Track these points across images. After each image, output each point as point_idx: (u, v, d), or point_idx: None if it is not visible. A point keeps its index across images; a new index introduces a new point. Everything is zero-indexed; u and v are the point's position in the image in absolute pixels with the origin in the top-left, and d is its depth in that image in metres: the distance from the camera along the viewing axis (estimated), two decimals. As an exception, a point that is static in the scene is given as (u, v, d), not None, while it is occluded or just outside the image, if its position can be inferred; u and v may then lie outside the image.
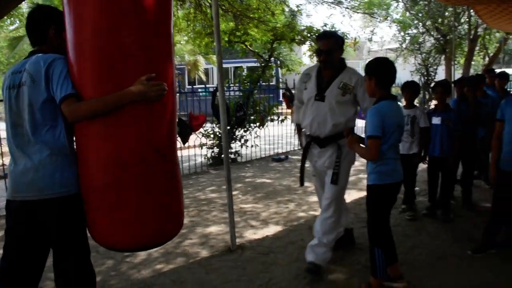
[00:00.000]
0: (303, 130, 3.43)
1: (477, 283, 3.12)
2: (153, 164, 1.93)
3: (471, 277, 3.22)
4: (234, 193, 5.74)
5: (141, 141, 1.91)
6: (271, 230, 4.29)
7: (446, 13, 11.78)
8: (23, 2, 7.50)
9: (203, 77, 20.08)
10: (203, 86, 9.75)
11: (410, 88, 4.45)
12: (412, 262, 3.47)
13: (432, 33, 12.38)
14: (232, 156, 8.21)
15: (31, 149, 1.97)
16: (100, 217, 1.97)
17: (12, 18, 8.40)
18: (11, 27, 17.03)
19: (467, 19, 11.57)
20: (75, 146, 2.05)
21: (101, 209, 1.95)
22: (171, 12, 2.03)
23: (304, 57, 14.04)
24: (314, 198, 5.42)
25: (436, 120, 4.40)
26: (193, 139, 7.34)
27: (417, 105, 4.66)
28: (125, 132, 1.90)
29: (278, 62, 9.38)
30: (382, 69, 2.82)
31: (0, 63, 20.14)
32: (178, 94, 14.04)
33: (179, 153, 6.76)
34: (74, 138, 2.04)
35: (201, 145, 7.78)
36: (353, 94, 3.19)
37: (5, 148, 2.33)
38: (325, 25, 9.06)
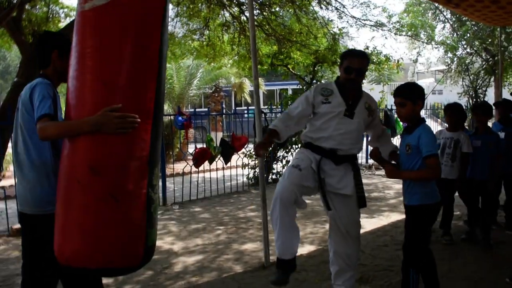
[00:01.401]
0: (317, 143, 2.96)
1: (512, 310, 3.05)
2: (88, 185, 1.90)
3: (506, 303, 3.15)
4: (272, 212, 5.86)
5: (76, 158, 1.95)
6: (306, 249, 4.36)
7: (496, 33, 11.49)
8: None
9: (249, 99, 20.45)
10: (245, 108, 9.98)
11: (453, 111, 4.41)
12: (446, 286, 3.42)
13: (480, 53, 12.09)
14: (274, 176, 8.34)
15: (24, 167, 2.19)
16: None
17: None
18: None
19: (518, 39, 11.25)
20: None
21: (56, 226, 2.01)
22: (157, 40, 2.00)
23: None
24: (351, 219, 5.44)
25: (476, 143, 4.34)
26: (236, 159, 7.55)
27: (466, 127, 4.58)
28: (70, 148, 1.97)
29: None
30: (422, 92, 2.87)
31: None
32: (223, 116, 14.37)
33: (221, 172, 6.94)
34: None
35: (243, 165, 7.98)
36: (371, 118, 3.09)
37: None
38: (367, 47, 9.12)
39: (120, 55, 1.92)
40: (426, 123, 2.90)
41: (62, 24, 7.95)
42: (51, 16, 7.41)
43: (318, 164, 2.89)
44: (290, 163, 3.16)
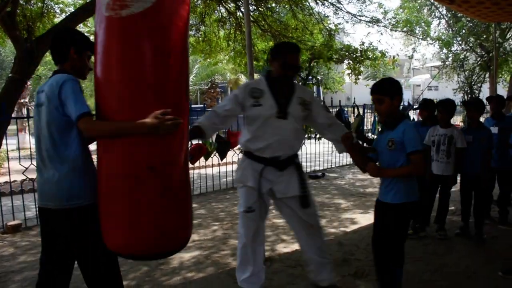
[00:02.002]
0: (257, 153, 2.95)
1: (505, 303, 3.09)
2: (147, 181, 2.03)
3: (499, 297, 3.18)
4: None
5: (134, 158, 2.03)
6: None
7: (491, 29, 11.54)
8: (80, 26, 8.07)
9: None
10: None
11: (445, 107, 4.43)
12: (440, 281, 3.46)
13: (475, 50, 12.13)
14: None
15: (51, 163, 2.19)
16: (105, 224, 2.14)
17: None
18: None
19: (513, 35, 11.30)
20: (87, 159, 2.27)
21: (104, 218, 2.13)
22: (186, 45, 2.16)
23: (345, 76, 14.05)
24: (346, 215, 5.48)
25: (468, 138, 4.37)
26: (231, 155, 7.56)
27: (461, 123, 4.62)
28: (121, 149, 2.05)
29: (315, 80, 9.50)
30: (400, 87, 2.78)
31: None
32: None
33: (217, 169, 6.98)
34: (88, 153, 2.27)
35: (233, 163, 7.99)
36: (307, 112, 3.03)
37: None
38: (363, 43, 9.13)
39: (162, 59, 2.02)
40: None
41: (57, 20, 7.92)
42: (46, 11, 7.37)
43: (259, 178, 2.91)
44: (239, 198, 3.09)
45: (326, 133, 3.20)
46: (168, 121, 1.97)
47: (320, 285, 3.22)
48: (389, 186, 2.77)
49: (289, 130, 2.92)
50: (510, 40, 11.90)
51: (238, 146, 7.46)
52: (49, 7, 7.67)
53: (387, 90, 2.74)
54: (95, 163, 2.21)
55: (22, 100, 14.23)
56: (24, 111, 14.29)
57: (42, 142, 2.22)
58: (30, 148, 5.69)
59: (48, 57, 19.51)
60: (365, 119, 10.53)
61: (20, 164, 5.17)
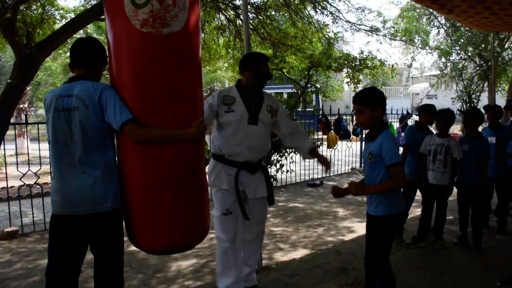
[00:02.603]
0: (231, 158, 3.08)
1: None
2: (188, 181, 2.30)
3: (497, 307, 3.17)
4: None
5: (180, 162, 2.27)
6: (299, 253, 4.36)
7: (489, 39, 11.60)
8: (80, 33, 8.08)
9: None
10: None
11: (444, 117, 4.43)
12: (437, 290, 3.46)
13: (474, 59, 12.19)
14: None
15: (84, 167, 2.20)
16: (148, 227, 2.30)
17: (68, 46, 9.09)
18: (67, 54, 18.28)
19: (511, 45, 11.34)
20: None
21: (144, 221, 2.29)
22: (198, 52, 2.38)
23: (344, 84, 14.08)
24: (344, 223, 5.47)
25: (465, 148, 4.37)
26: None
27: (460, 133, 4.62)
28: (166, 154, 2.25)
29: (314, 88, 9.52)
30: (382, 97, 2.73)
31: (56, 87, 21.48)
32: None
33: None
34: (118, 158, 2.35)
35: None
36: (274, 119, 3.19)
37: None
38: (362, 52, 9.16)
39: (193, 73, 2.32)
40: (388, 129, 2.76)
41: (57, 26, 7.94)
42: (46, 17, 7.39)
43: (236, 179, 3.05)
44: (214, 202, 3.17)
45: (287, 141, 3.37)
46: (202, 129, 2.31)
47: (247, 286, 3.36)
48: (372, 198, 2.77)
49: (259, 135, 3.09)
50: (508, 49, 11.95)
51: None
52: (49, 13, 7.69)
53: (367, 101, 2.69)
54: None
55: (21, 106, 14.24)
56: (23, 116, 14.32)
57: (72, 148, 2.20)
58: (28, 154, 5.67)
59: (47, 62, 19.62)
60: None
61: (17, 170, 5.15)
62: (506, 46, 11.88)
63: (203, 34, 9.34)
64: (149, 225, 2.29)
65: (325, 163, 3.38)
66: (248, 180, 3.11)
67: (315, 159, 3.42)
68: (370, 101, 2.68)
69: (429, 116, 4.64)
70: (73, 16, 7.71)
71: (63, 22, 7.99)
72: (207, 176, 3.08)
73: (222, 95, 3.08)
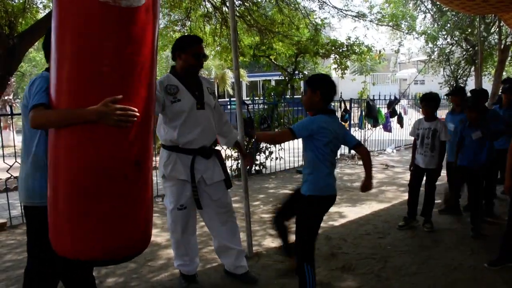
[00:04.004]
0: (185, 146, 3.03)
1: (490, 294, 3.13)
2: (131, 176, 1.97)
3: None
4: (255, 203, 5.88)
5: (122, 152, 1.94)
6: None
7: (475, 23, 11.64)
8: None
9: (231, 91, 20.42)
10: (228, 99, 9.95)
11: (428, 101, 4.47)
12: (426, 272, 3.50)
13: (461, 44, 12.24)
14: (257, 168, 8.36)
15: (22, 159, 2.24)
16: (77, 228, 1.94)
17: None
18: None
19: (497, 29, 11.39)
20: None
21: (73, 219, 1.93)
22: (153, 33, 2.05)
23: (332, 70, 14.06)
24: (334, 209, 5.49)
25: (477, 135, 4.37)
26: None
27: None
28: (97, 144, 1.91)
29: (302, 75, 9.50)
30: (327, 84, 2.82)
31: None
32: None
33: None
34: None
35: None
36: (215, 101, 3.26)
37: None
38: (349, 37, 9.14)
39: (146, 54, 2.00)
40: (329, 115, 2.82)
41: (40, 15, 7.79)
42: (28, 6, 7.24)
43: (192, 166, 3.01)
44: (168, 195, 3.16)
45: (220, 133, 3.36)
46: (118, 111, 1.84)
47: (237, 273, 3.38)
48: (303, 177, 2.86)
49: (209, 119, 3.10)
50: (494, 34, 12.00)
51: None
52: (32, 2, 7.53)
53: (311, 82, 2.84)
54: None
55: (6, 97, 14.03)
56: (8, 108, 14.09)
57: (22, 139, 2.25)
58: (15, 146, 5.60)
59: (32, 53, 19.31)
60: (352, 114, 10.59)
61: (4, 162, 5.08)
62: (492, 30, 11.91)
63: (189, 22, 9.25)
64: (76, 226, 1.93)
65: (248, 160, 3.58)
66: (204, 166, 3.08)
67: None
68: (313, 84, 2.82)
69: (457, 98, 4.92)
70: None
71: (46, 11, 7.84)
72: (162, 168, 3.08)
73: (165, 85, 2.98)
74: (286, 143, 8.30)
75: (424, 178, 4.60)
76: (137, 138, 1.98)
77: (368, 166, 2.87)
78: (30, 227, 2.29)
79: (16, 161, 4.97)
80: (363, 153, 2.92)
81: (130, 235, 2.01)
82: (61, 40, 1.90)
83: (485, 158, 4.33)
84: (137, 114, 1.92)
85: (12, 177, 5.14)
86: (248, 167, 3.54)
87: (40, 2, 8.06)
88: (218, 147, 3.50)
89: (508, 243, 3.55)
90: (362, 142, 3.07)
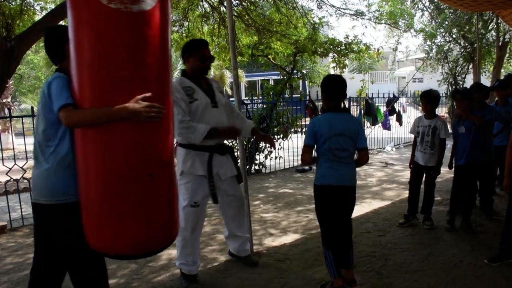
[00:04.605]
0: (203, 143, 3.15)
1: (490, 290, 3.14)
2: (157, 174, 2.09)
3: (484, 284, 3.23)
4: (256, 202, 5.89)
5: (147, 152, 2.06)
6: (289, 238, 4.39)
7: (473, 21, 11.64)
8: (61, 24, 7.93)
9: (229, 91, 20.42)
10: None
11: (426, 99, 4.47)
12: (426, 270, 3.51)
13: (459, 41, 12.24)
14: (257, 167, 8.36)
15: (40, 158, 2.24)
16: (100, 224, 2.09)
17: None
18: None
19: (495, 26, 11.39)
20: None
21: (102, 217, 2.07)
22: (166, 33, 2.14)
23: (330, 69, 14.05)
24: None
25: (461, 129, 4.39)
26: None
27: (438, 114, 4.61)
28: (123, 146, 2.03)
29: (300, 74, 9.50)
30: (324, 83, 3.05)
31: (39, 81, 21.16)
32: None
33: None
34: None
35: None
36: (226, 99, 3.41)
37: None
38: (347, 36, 9.14)
39: (161, 55, 2.10)
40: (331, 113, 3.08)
41: (37, 17, 7.78)
42: (25, 8, 7.23)
43: (209, 163, 3.16)
44: (182, 192, 3.19)
45: (234, 123, 3.48)
46: (147, 107, 1.97)
47: (240, 255, 3.67)
48: None
49: (223, 116, 3.28)
50: (492, 31, 12.00)
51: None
52: (29, 4, 7.52)
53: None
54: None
55: (4, 100, 14.02)
56: (7, 111, 14.10)
57: (36, 138, 2.26)
58: (14, 149, 5.59)
59: (29, 56, 19.27)
60: (351, 112, 10.59)
61: (3, 165, 5.08)
62: (490, 27, 11.92)
63: (186, 23, 9.24)
64: (109, 223, 2.07)
65: (270, 141, 3.61)
66: (220, 162, 3.24)
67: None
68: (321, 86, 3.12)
69: (505, 90, 5.11)
70: (53, 7, 7.56)
71: (44, 13, 7.83)
72: (181, 165, 3.19)
73: (183, 86, 3.12)
74: (285, 142, 8.37)
75: (424, 175, 4.60)
76: (161, 137, 2.12)
77: (356, 165, 3.21)
78: (64, 225, 2.24)
79: (15, 164, 4.98)
80: (362, 158, 3.17)
81: (162, 227, 2.16)
82: (80, 48, 1.99)
83: (482, 155, 4.34)
84: (164, 110, 2.05)
85: (12, 180, 5.15)
86: (271, 148, 3.84)
87: (38, 4, 8.03)
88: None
89: (508, 239, 3.55)
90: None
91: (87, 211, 2.11)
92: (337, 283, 3.08)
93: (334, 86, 3.01)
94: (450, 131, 4.81)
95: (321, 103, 9.30)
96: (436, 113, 4.54)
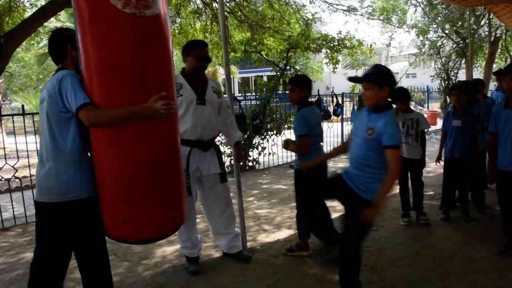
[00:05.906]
0: (184, 136, 3.27)
1: (483, 284, 3.15)
2: (170, 164, 2.31)
3: (477, 277, 3.25)
4: (249, 199, 5.88)
5: (164, 144, 2.28)
6: (283, 234, 4.39)
7: (466, 16, 11.68)
8: (52, 21, 7.87)
9: (222, 87, 20.42)
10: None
11: (398, 96, 4.37)
12: (419, 263, 3.53)
13: (451, 36, 12.28)
14: (250, 164, 8.35)
15: (49, 156, 2.22)
16: (126, 213, 2.23)
17: (40, 36, 8.85)
18: (40, 45, 17.79)
19: (487, 21, 11.44)
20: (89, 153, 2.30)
21: (127, 206, 2.21)
22: (169, 35, 2.29)
23: (324, 65, 14.05)
24: (328, 203, 5.49)
25: (456, 123, 4.42)
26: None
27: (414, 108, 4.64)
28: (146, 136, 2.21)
29: (293, 70, 9.50)
30: (309, 83, 3.58)
31: (30, 79, 21.00)
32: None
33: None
34: (87, 146, 2.28)
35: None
36: (220, 100, 3.50)
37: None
38: (340, 32, 9.14)
39: (169, 57, 2.29)
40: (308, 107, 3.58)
41: (27, 14, 7.70)
42: (15, 5, 7.16)
43: (187, 159, 3.26)
44: None
45: (224, 131, 3.63)
46: (164, 105, 2.15)
47: (231, 252, 3.70)
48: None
49: (209, 114, 3.36)
50: (484, 26, 12.05)
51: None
52: (18, 1, 7.44)
53: (296, 82, 3.57)
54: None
55: (-5, 99, 13.90)
56: (-2, 109, 13.97)
57: (42, 136, 2.26)
58: (4, 148, 5.54)
59: (20, 53, 19.08)
60: (344, 108, 10.60)
61: (-6, 164, 5.04)
62: (482, 23, 11.97)
63: (179, 19, 9.19)
64: (128, 213, 2.23)
65: (244, 161, 3.96)
66: (201, 158, 3.35)
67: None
68: (299, 83, 3.53)
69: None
70: (43, 4, 7.48)
71: (34, 10, 7.75)
72: None
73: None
74: (279, 138, 8.36)
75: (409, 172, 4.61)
76: (172, 130, 2.34)
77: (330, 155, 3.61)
78: (76, 222, 2.26)
79: (6, 163, 4.94)
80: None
81: (175, 214, 2.37)
82: (99, 52, 2.08)
83: (471, 148, 4.40)
84: (175, 106, 2.27)
85: (3, 179, 5.10)
86: (241, 164, 3.66)
87: (27, 1, 7.96)
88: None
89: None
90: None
91: (109, 203, 2.23)
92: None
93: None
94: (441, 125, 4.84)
95: (314, 99, 9.33)
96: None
